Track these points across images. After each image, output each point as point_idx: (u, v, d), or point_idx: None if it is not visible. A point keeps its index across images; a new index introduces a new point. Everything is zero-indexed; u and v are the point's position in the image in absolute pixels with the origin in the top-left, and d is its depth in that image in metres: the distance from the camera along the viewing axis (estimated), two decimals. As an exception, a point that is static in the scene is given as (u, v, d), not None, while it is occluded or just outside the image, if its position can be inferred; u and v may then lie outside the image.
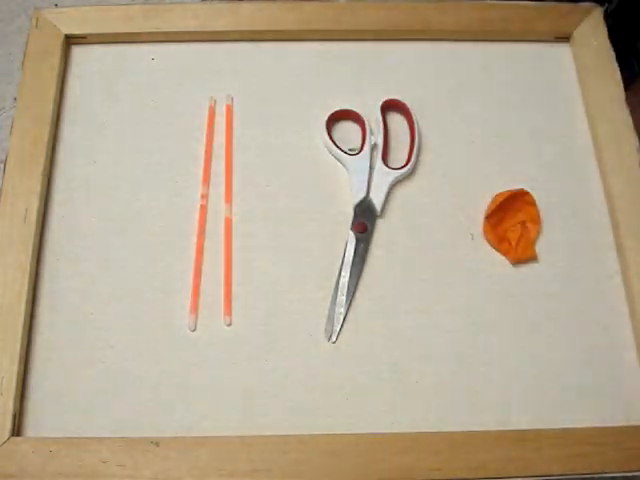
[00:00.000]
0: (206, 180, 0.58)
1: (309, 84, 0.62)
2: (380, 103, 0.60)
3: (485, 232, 0.56)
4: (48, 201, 0.57)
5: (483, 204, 0.57)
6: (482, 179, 0.58)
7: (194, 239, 0.55)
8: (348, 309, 0.53)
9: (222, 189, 0.58)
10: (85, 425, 0.49)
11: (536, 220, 0.56)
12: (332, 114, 0.60)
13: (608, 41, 0.63)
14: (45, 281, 0.54)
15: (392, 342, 0.52)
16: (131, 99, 0.61)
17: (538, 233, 0.56)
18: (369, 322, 0.53)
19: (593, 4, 0.65)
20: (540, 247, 0.56)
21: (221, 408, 0.50)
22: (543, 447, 0.48)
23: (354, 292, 0.54)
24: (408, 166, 0.58)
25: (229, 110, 0.61)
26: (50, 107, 0.59)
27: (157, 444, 0.47)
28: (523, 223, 0.56)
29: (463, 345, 0.52)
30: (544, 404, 0.50)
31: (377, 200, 0.57)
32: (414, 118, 0.60)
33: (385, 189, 0.57)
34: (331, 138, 0.59)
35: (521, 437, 0.48)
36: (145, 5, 0.64)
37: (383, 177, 0.58)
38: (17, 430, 0.48)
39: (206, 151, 0.59)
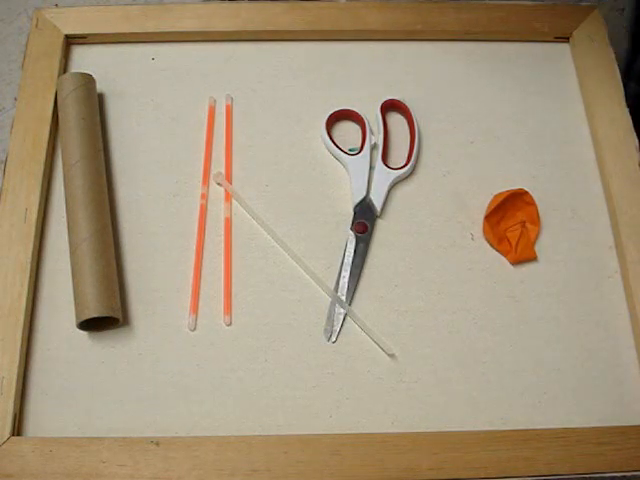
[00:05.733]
0: (206, 180, 0.58)
1: (309, 84, 0.62)
2: (380, 103, 0.60)
3: (485, 232, 0.56)
4: (48, 201, 0.57)
5: (483, 204, 0.57)
6: (482, 179, 0.59)
7: (194, 239, 0.55)
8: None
9: (222, 189, 0.58)
10: (85, 425, 0.49)
11: (536, 220, 0.56)
12: (332, 114, 0.60)
13: (608, 41, 0.63)
14: (45, 281, 0.54)
15: (392, 342, 0.52)
16: (131, 99, 0.61)
17: (538, 233, 0.56)
18: (369, 322, 0.53)
19: (593, 4, 0.65)
20: (540, 247, 0.56)
21: (221, 408, 0.50)
22: (543, 447, 0.48)
23: (354, 292, 0.54)
24: (408, 166, 0.58)
25: (229, 110, 0.61)
26: (50, 107, 0.59)
27: (157, 444, 0.47)
28: (523, 223, 0.56)
29: (463, 345, 0.52)
30: (544, 404, 0.50)
31: (377, 200, 0.57)
32: (414, 118, 0.60)
33: (385, 189, 0.57)
34: (331, 138, 0.59)
35: (521, 437, 0.48)
36: (145, 5, 0.64)
37: (383, 177, 0.58)
38: (17, 430, 0.48)
39: (206, 151, 0.59)
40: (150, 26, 0.63)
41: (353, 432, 0.49)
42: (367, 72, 0.63)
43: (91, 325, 0.51)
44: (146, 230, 0.56)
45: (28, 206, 0.55)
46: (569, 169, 0.59)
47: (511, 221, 0.56)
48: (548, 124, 0.61)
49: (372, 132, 0.60)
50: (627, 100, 0.60)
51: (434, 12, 0.64)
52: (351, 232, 0.56)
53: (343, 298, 0.53)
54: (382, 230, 0.56)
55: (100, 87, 0.61)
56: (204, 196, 0.57)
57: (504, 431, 0.49)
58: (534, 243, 0.56)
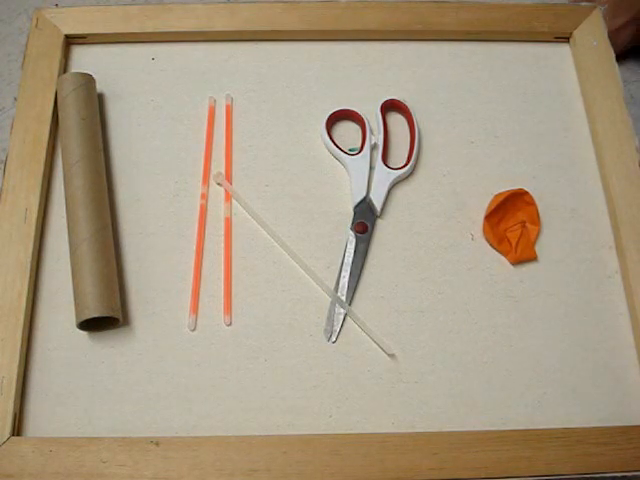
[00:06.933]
0: (206, 180, 0.58)
1: (309, 84, 0.62)
2: (380, 103, 0.60)
3: (485, 232, 0.56)
4: (48, 201, 0.57)
5: (483, 204, 0.57)
6: (482, 179, 0.59)
7: (194, 239, 0.55)
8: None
9: (222, 189, 0.58)
10: (85, 425, 0.49)
11: (536, 220, 0.56)
12: (332, 114, 0.60)
13: (608, 41, 0.63)
14: (45, 281, 0.54)
15: (392, 342, 0.52)
16: (131, 99, 0.61)
17: (538, 233, 0.56)
18: (369, 322, 0.53)
19: (593, 4, 0.65)
20: (540, 247, 0.56)
21: (221, 408, 0.50)
22: (543, 447, 0.48)
23: (354, 292, 0.54)
24: (408, 166, 0.58)
25: (229, 110, 0.61)
26: (50, 107, 0.59)
27: (157, 444, 0.47)
28: (523, 223, 0.56)
29: (463, 345, 0.52)
30: (544, 404, 0.50)
31: (377, 200, 0.57)
32: (414, 118, 0.60)
33: (385, 189, 0.57)
34: (331, 138, 0.59)
35: (521, 437, 0.48)
36: (145, 5, 0.64)
37: (383, 177, 0.58)
38: (17, 430, 0.48)
39: (206, 151, 0.59)
40: (150, 26, 0.63)
41: (353, 432, 0.49)
42: (367, 72, 0.63)
43: (91, 325, 0.51)
44: (146, 230, 0.56)
45: (28, 206, 0.55)
46: (569, 169, 0.59)
47: (511, 221, 0.56)
48: (548, 124, 0.61)
49: (372, 132, 0.60)
50: None
51: (434, 12, 0.64)
52: (351, 232, 0.56)
53: (343, 298, 0.53)
54: (382, 230, 0.56)
55: (100, 87, 0.61)
56: (204, 196, 0.57)
57: (504, 431, 0.49)
58: (534, 243, 0.56)
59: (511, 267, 0.55)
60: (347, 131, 0.61)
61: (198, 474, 0.47)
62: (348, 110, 0.61)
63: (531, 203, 0.57)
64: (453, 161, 0.59)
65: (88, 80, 0.59)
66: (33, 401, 0.50)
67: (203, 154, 0.59)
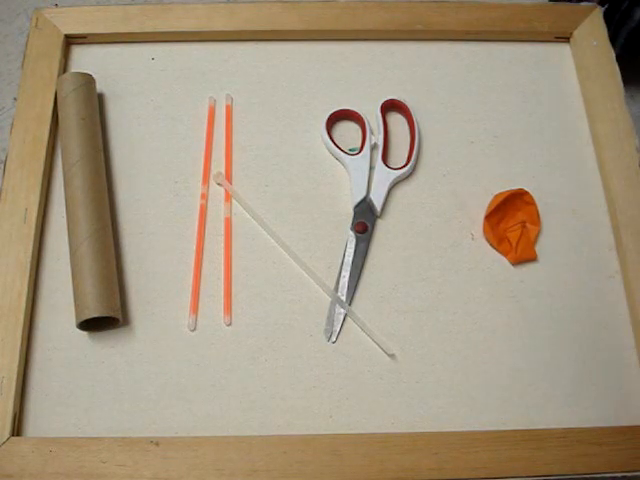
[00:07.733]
0: (206, 180, 0.58)
1: (309, 84, 0.62)
2: (380, 103, 0.60)
3: (485, 232, 0.56)
4: (48, 201, 0.57)
5: (483, 204, 0.57)
6: (482, 179, 0.59)
7: (194, 239, 0.55)
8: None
9: (222, 189, 0.58)
10: (85, 425, 0.49)
11: (536, 220, 0.56)
12: (332, 114, 0.60)
13: (608, 41, 0.63)
14: (45, 281, 0.54)
15: (392, 342, 0.52)
16: (131, 99, 0.61)
17: (538, 233, 0.56)
18: (369, 322, 0.53)
19: (593, 4, 0.65)
20: (540, 247, 0.56)
21: (221, 408, 0.50)
22: (543, 447, 0.48)
23: (354, 292, 0.54)
24: (408, 166, 0.58)
25: (229, 110, 0.61)
26: (50, 107, 0.59)
27: (157, 444, 0.47)
28: (523, 223, 0.56)
29: (463, 345, 0.52)
30: (544, 404, 0.50)
31: (377, 200, 0.57)
32: (414, 118, 0.60)
33: (385, 189, 0.57)
34: (331, 138, 0.59)
35: (521, 437, 0.48)
36: (145, 5, 0.64)
37: (383, 177, 0.58)
38: (17, 430, 0.48)
39: (206, 151, 0.59)
40: (150, 26, 0.63)
41: (353, 432, 0.49)
42: (367, 72, 0.63)
43: (91, 325, 0.51)
44: (146, 230, 0.56)
45: (28, 206, 0.55)
46: (569, 169, 0.59)
47: (511, 221, 0.56)
48: (548, 124, 0.61)
49: (372, 132, 0.60)
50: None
51: (434, 12, 0.64)
52: (351, 232, 0.56)
53: (343, 298, 0.53)
54: (382, 230, 0.56)
55: (100, 87, 0.61)
56: (204, 196, 0.57)
57: (504, 431, 0.49)
58: (534, 243, 0.56)
59: (511, 267, 0.55)
60: (347, 131, 0.61)
61: (198, 474, 0.47)
62: (348, 110, 0.61)
63: (531, 203, 0.57)
64: (453, 161, 0.59)
65: (88, 80, 0.59)
66: (33, 401, 0.50)
67: (203, 154, 0.59)
